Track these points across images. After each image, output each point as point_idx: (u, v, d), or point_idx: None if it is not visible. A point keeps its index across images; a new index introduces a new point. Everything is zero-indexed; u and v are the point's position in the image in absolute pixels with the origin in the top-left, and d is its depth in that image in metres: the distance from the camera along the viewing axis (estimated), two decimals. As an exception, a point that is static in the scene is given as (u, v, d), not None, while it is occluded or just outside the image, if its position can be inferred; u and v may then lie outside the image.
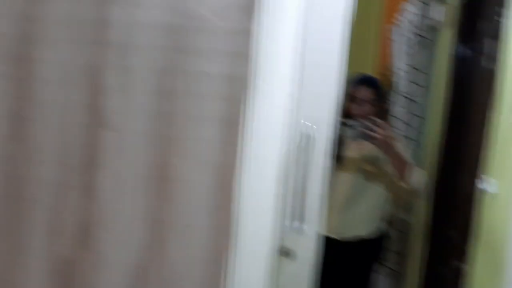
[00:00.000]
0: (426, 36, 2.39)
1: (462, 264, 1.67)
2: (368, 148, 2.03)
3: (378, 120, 1.85)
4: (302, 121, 1.19)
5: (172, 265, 0.80)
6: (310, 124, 1.19)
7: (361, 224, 2.06)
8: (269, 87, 1.04)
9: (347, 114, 2.07)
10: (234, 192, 0.80)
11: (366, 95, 2.01)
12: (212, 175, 0.80)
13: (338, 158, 2.02)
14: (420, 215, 2.34)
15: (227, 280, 0.80)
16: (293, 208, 1.22)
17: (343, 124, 1.86)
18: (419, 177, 1.95)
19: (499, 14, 1.61)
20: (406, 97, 2.45)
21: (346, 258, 2.08)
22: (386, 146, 1.86)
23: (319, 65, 1.18)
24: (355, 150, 2.05)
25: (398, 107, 2.53)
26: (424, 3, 2.40)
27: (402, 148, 1.99)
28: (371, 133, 1.82)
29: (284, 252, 1.25)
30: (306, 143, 1.19)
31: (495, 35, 1.63)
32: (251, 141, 0.92)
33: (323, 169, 1.21)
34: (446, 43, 2.29)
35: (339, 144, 2.05)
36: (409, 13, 2.48)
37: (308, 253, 1.23)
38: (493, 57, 1.66)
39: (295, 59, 1.16)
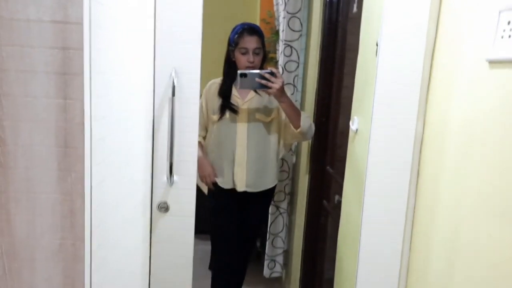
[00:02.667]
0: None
1: (339, 197, 1.83)
2: (262, 97, 2.09)
3: (274, 70, 1.90)
4: (170, 72, 1.15)
5: (18, 235, 0.74)
6: (176, 73, 1.15)
7: (268, 178, 2.16)
8: (131, 35, 0.97)
9: (233, 63, 2.08)
10: (82, 151, 0.73)
11: (251, 44, 2.03)
12: (54, 136, 0.73)
13: (234, 109, 2.05)
14: (304, 156, 2.48)
15: (83, 244, 0.75)
16: (167, 161, 1.19)
17: (240, 75, 1.87)
18: (306, 121, 2.06)
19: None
20: (285, 43, 2.50)
21: (250, 205, 2.21)
22: (280, 94, 1.92)
23: (179, 12, 1.13)
24: (249, 100, 2.09)
25: (280, 53, 2.59)
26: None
27: (290, 95, 2.09)
28: (268, 83, 1.87)
29: (161, 206, 1.23)
30: (174, 93, 1.15)
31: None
32: (108, 96, 0.86)
33: (193, 119, 1.20)
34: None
35: (231, 94, 2.08)
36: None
37: (183, 205, 1.23)
38: (360, 2, 1.74)
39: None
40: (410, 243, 1.26)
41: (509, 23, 0.82)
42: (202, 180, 2.14)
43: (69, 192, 0.75)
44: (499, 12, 0.85)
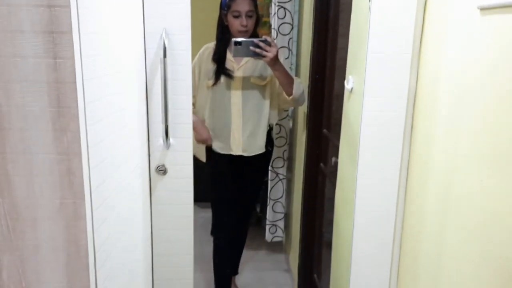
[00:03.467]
0: None
1: (336, 159, 1.85)
2: (257, 62, 2.08)
3: (268, 38, 1.90)
4: (161, 32, 1.13)
5: (19, 195, 0.75)
6: (166, 34, 1.14)
7: (259, 142, 2.17)
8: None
9: (226, 27, 2.06)
10: (75, 111, 0.74)
11: (243, 7, 2.00)
12: (46, 96, 0.73)
13: (229, 74, 2.05)
14: (300, 120, 2.49)
15: (84, 202, 0.77)
16: (162, 124, 1.20)
17: (235, 43, 1.86)
18: (299, 88, 2.06)
19: None
20: (279, 5, 2.46)
21: (247, 170, 2.23)
22: (274, 62, 1.93)
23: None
24: (244, 65, 2.08)
25: (273, 16, 2.55)
26: None
27: (284, 61, 2.09)
28: (262, 51, 1.87)
29: (159, 169, 1.25)
30: (165, 54, 1.14)
31: None
32: (99, 56, 0.85)
33: (186, 80, 1.19)
34: None
35: (226, 59, 2.07)
36: None
37: (181, 167, 1.24)
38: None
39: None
40: (405, 199, 1.29)
41: (500, -34, 0.81)
42: (198, 144, 2.16)
43: (66, 151, 0.76)
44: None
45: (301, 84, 2.12)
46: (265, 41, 1.90)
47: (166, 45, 1.11)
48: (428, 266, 1.10)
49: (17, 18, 0.70)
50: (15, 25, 0.70)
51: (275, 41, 2.06)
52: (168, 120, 1.17)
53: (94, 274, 0.82)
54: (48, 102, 0.73)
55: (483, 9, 0.87)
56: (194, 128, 2.06)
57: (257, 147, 2.17)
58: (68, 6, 0.70)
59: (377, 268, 1.31)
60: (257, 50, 1.89)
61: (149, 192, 1.24)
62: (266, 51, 1.89)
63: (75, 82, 0.73)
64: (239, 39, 1.91)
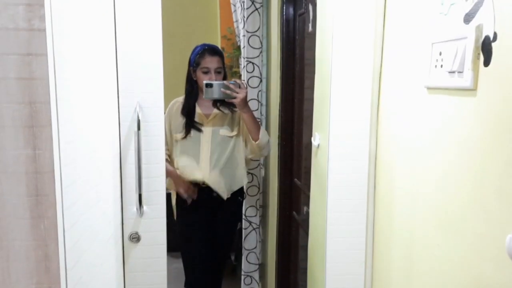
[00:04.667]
0: (257, 0, 2.51)
1: (308, 208, 1.90)
2: (225, 114, 2.15)
3: (238, 81, 2.00)
4: (135, 106, 1.19)
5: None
6: (140, 108, 1.20)
7: (237, 181, 2.22)
8: (95, 79, 1.01)
9: (195, 82, 2.14)
10: (53, 198, 0.77)
11: (212, 64, 2.09)
12: (25, 185, 0.76)
13: (198, 129, 2.11)
14: (272, 170, 2.55)
15: (59, 286, 0.78)
16: (136, 193, 1.23)
17: (206, 85, 1.94)
18: (265, 135, 2.14)
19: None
20: (247, 60, 2.57)
21: (219, 217, 2.27)
22: (244, 105, 2.02)
23: (139, 52, 1.18)
24: (213, 117, 2.15)
25: (242, 69, 2.66)
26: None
27: (254, 110, 2.19)
28: (233, 93, 1.96)
29: (132, 237, 1.26)
30: (139, 127, 1.19)
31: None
32: (76, 141, 0.89)
33: (159, 150, 1.24)
34: (276, 7, 2.44)
35: (195, 113, 2.13)
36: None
37: (154, 234, 1.27)
38: (314, 22, 1.83)
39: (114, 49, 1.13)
40: (372, 251, 1.35)
41: (440, 53, 0.91)
42: (182, 195, 2.17)
43: (43, 237, 0.78)
44: (432, 44, 0.94)
45: (267, 134, 2.21)
46: (235, 83, 2.00)
47: (140, 118, 1.16)
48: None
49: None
50: (-4, 120, 0.74)
51: (244, 84, 2.15)
52: (142, 188, 1.21)
53: None
54: (26, 191, 0.76)
55: (429, 88, 0.97)
56: (174, 180, 2.10)
57: (236, 185, 2.21)
58: (49, 102, 0.75)
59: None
60: (228, 91, 1.97)
61: (122, 260, 1.25)
62: (237, 92, 1.97)
63: (53, 171, 0.76)
64: (211, 81, 1.99)
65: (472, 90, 0.80)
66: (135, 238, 1.24)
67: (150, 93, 1.20)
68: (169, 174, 2.08)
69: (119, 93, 1.15)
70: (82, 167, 0.92)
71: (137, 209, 1.22)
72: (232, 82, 2.01)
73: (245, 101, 2.02)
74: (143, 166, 1.20)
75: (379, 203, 1.30)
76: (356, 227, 1.33)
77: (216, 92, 1.99)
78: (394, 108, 1.19)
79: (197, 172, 2.14)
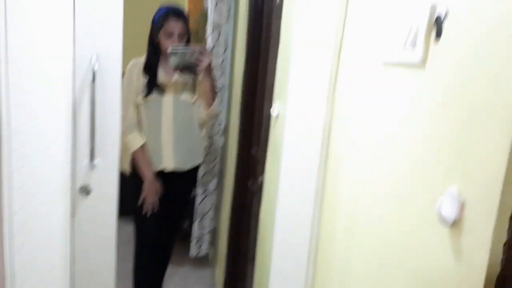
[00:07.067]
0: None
1: (263, 178, 1.94)
2: (187, 79, 2.11)
3: (204, 48, 1.96)
4: (92, 57, 1.16)
5: None
6: (97, 58, 1.17)
7: (195, 155, 2.21)
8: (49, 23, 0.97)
9: (157, 44, 2.07)
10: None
11: (176, 29, 2.01)
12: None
13: (161, 89, 2.06)
14: (232, 137, 2.57)
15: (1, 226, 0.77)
16: (88, 145, 1.21)
17: (171, 52, 1.89)
18: (218, 106, 2.15)
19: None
20: (213, 26, 2.53)
21: (175, 186, 2.23)
22: (208, 73, 2.00)
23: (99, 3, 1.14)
24: (175, 80, 2.10)
25: (208, 35, 2.62)
26: None
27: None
28: (197, 61, 1.93)
29: (83, 190, 1.25)
30: (94, 79, 1.17)
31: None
32: (25, 84, 0.86)
33: (115, 103, 1.22)
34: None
35: (159, 71, 2.08)
36: None
37: (106, 188, 1.26)
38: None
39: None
40: (320, 219, 1.41)
41: (397, 30, 0.95)
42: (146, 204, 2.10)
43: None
44: (389, 21, 0.98)
45: (220, 103, 2.21)
46: (200, 51, 1.97)
47: (96, 70, 1.13)
48: (340, 271, 1.21)
49: None
50: None
51: (209, 51, 2.13)
52: (95, 141, 1.19)
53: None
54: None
55: (386, 64, 1.01)
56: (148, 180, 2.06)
57: (193, 160, 2.20)
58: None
59: (294, 283, 1.41)
60: (192, 59, 1.95)
61: (70, 212, 1.24)
62: (201, 60, 1.95)
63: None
64: (176, 49, 1.95)
65: (421, 64, 0.84)
66: (86, 190, 1.23)
67: (109, 45, 1.17)
68: (143, 170, 2.04)
69: (75, 42, 1.11)
70: (30, 112, 0.90)
71: (89, 161, 1.21)
72: (197, 49, 1.98)
73: (209, 68, 2.00)
74: (98, 119, 1.17)
75: (330, 171, 1.35)
76: (305, 194, 1.38)
77: (181, 59, 1.96)
78: (351, 82, 1.22)
79: (162, 160, 2.10)
